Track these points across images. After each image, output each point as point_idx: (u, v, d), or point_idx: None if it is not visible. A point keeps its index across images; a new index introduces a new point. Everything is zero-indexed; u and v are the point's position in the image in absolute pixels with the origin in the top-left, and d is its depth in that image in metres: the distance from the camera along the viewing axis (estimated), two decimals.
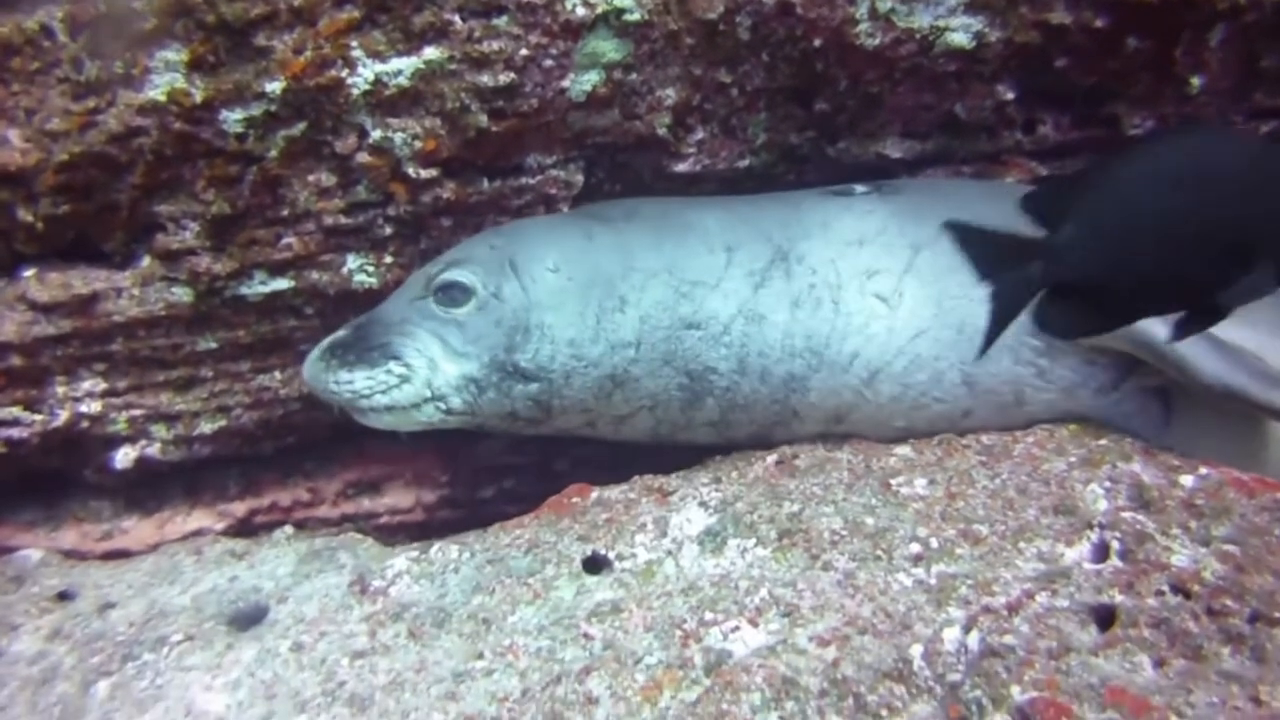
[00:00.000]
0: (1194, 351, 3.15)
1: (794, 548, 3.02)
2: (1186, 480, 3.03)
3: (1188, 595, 2.59)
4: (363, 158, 3.44)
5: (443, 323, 3.38)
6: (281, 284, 3.58)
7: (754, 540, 3.08)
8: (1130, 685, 2.39)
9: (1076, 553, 2.88)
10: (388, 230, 3.59)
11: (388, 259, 3.63)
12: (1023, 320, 3.33)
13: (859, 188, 3.65)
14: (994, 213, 3.57)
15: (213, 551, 3.47)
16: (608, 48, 3.43)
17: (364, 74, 3.31)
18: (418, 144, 3.43)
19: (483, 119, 3.42)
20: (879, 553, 2.96)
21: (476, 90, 3.37)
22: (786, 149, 3.82)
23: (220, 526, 3.76)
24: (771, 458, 3.48)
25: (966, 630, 2.68)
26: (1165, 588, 2.63)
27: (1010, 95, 3.68)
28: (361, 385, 3.33)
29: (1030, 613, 2.67)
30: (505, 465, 4.12)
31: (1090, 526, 2.91)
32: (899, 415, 3.48)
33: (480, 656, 2.78)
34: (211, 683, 2.80)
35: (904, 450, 3.43)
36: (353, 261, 3.61)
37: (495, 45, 3.32)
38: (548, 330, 3.36)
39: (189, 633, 3.00)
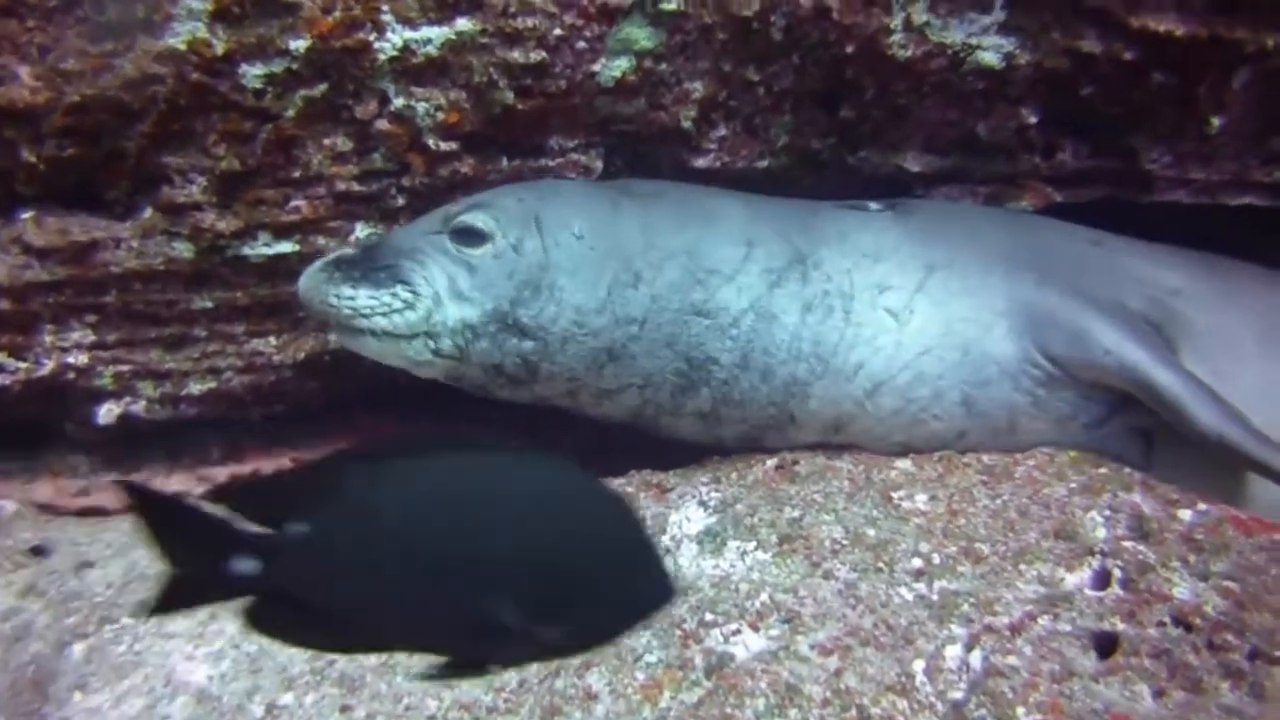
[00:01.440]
0: (1194, 399, 3.20)
1: (794, 554, 3.00)
2: (1185, 514, 3.05)
3: (1189, 628, 2.61)
4: (382, 125, 3.36)
5: (455, 261, 3.27)
6: (286, 247, 3.48)
7: (754, 543, 3.05)
8: (1133, 713, 2.40)
9: (1077, 578, 2.88)
10: (400, 201, 3.51)
11: None
12: (1026, 348, 3.39)
13: (873, 205, 3.65)
14: (1006, 240, 3.61)
15: None
16: (641, 35, 3.38)
17: (392, 39, 3.23)
18: (440, 116, 3.36)
19: (509, 96, 3.35)
20: (880, 565, 2.95)
21: (506, 66, 3.30)
22: (807, 153, 3.80)
23: (199, 491, 3.65)
24: (771, 461, 3.45)
25: (969, 648, 2.68)
26: (1167, 619, 2.65)
27: (1033, 119, 3.68)
28: (363, 303, 3.20)
29: (1033, 635, 2.67)
30: None
31: (1091, 553, 2.92)
32: (897, 430, 3.47)
33: None
34: (193, 652, 2.72)
35: (905, 464, 3.41)
36: (361, 230, 3.53)
37: (529, 22, 3.26)
38: (558, 293, 3.28)
39: None
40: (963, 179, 3.88)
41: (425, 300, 3.22)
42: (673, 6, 3.34)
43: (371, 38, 3.22)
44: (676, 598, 2.41)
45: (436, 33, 3.24)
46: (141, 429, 3.67)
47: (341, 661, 2.66)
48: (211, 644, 2.72)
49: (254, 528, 1.98)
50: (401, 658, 2.67)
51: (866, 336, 3.40)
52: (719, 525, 3.12)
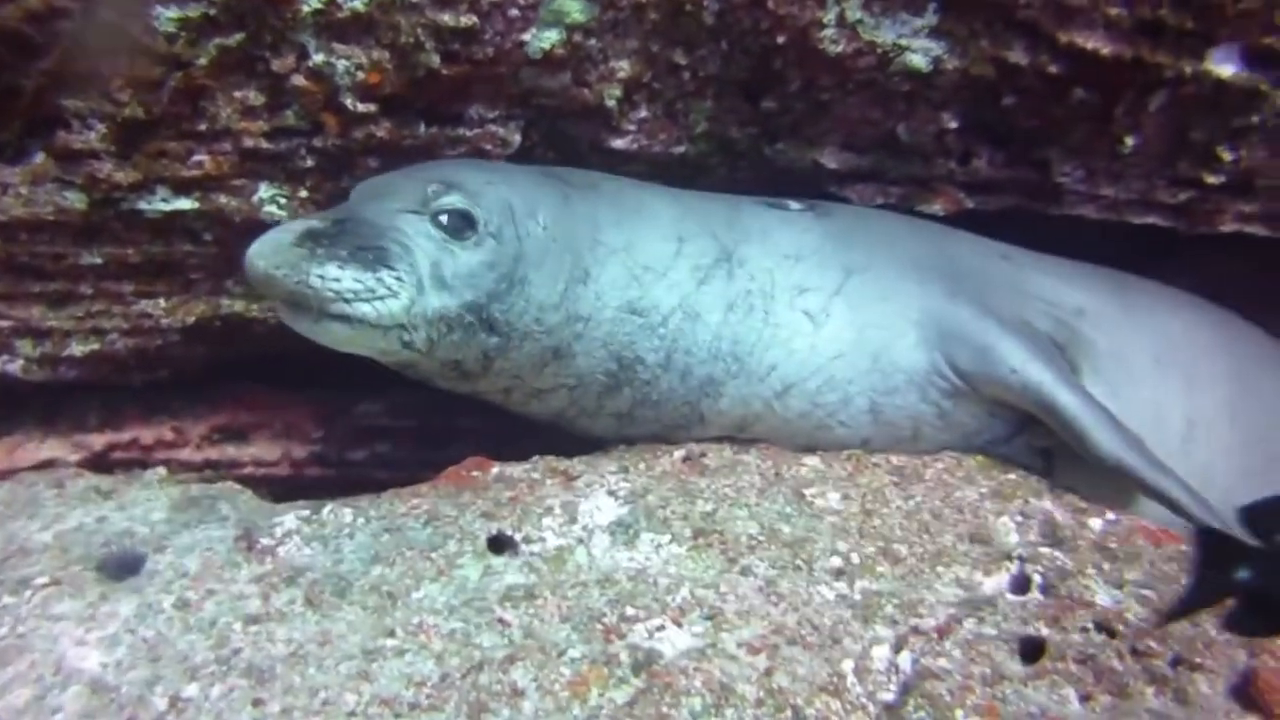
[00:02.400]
0: (1094, 424, 3.26)
1: (709, 548, 2.94)
2: (1095, 523, 3.13)
3: (1112, 634, 2.65)
4: (298, 81, 3.16)
5: (439, 248, 3.04)
6: (184, 204, 3.25)
7: (668, 536, 2.98)
8: (1065, 717, 2.44)
9: (995, 582, 2.91)
10: (309, 162, 3.31)
11: (303, 193, 3.36)
12: (934, 359, 3.42)
13: (794, 204, 3.62)
14: (920, 248, 3.64)
15: (75, 487, 3.10)
16: (574, 8, 3.27)
17: None
18: (360, 75, 3.18)
19: (435, 59, 3.20)
20: (799, 563, 2.91)
21: (435, 28, 3.15)
22: (725, 142, 3.75)
23: (75, 458, 3.39)
24: (679, 453, 3.38)
25: (896, 650, 2.66)
26: (1090, 625, 2.69)
27: (953, 124, 3.70)
28: (348, 286, 2.87)
29: (960, 638, 2.68)
30: (382, 428, 3.89)
31: (1009, 558, 2.95)
32: (801, 434, 3.46)
33: (391, 634, 2.57)
34: (85, 636, 2.47)
35: (813, 461, 3.39)
36: (265, 190, 3.33)
37: None
38: (527, 287, 3.13)
39: (55, 576, 2.65)
40: (877, 179, 3.87)
41: (407, 290, 2.96)
42: None
43: None
44: None
45: None
46: (17, 390, 3.40)
47: (248, 650, 2.48)
48: (104, 627, 2.48)
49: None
50: (313, 648, 2.51)
51: (783, 338, 3.36)
52: (631, 517, 3.03)
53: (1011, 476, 3.36)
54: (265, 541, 2.88)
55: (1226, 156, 3.68)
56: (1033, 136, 3.75)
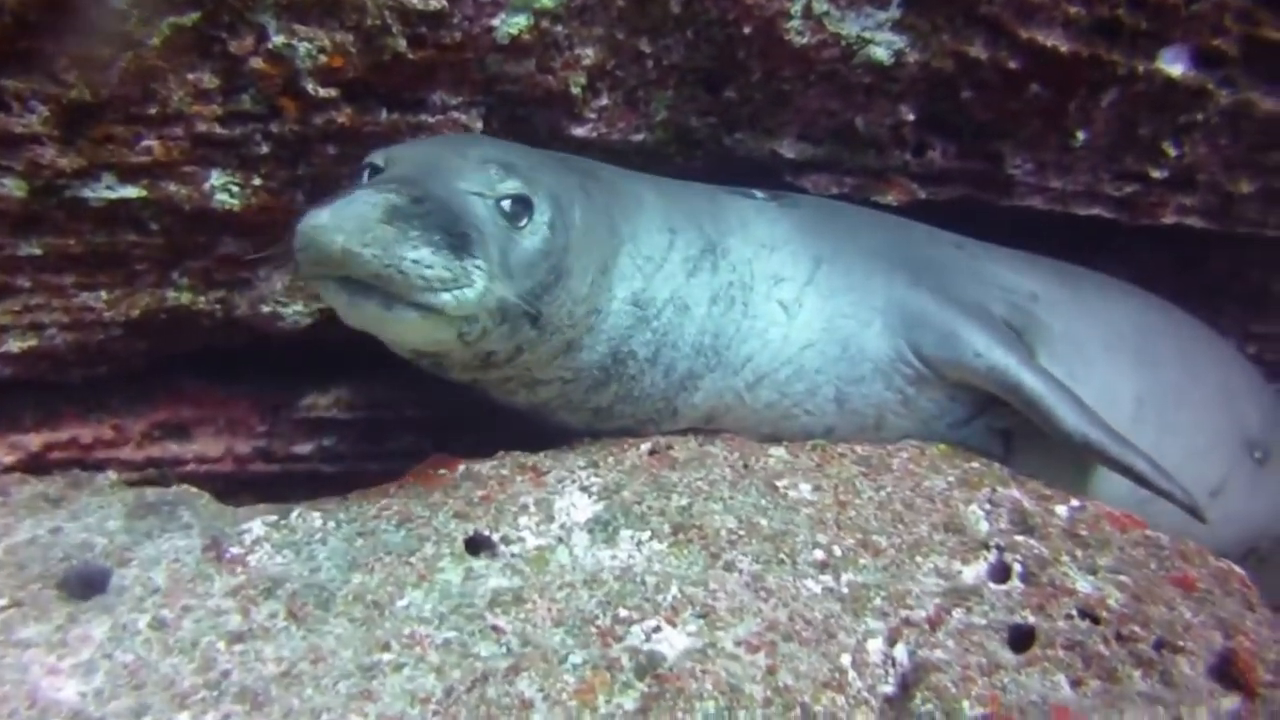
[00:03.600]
0: (1059, 403, 3.33)
1: (690, 544, 2.90)
2: (1061, 509, 3.17)
3: (1096, 620, 2.69)
4: (256, 63, 3.00)
5: (505, 235, 2.84)
6: (131, 191, 3.05)
7: (648, 533, 2.92)
8: (1075, 705, 2.47)
9: (974, 571, 2.93)
10: (264, 149, 3.14)
11: (256, 181, 3.18)
12: (900, 346, 3.44)
13: (759, 194, 3.60)
14: (881, 238, 3.66)
15: (20, 494, 2.90)
16: None
17: None
18: (322, 58, 3.03)
19: (401, 43, 3.07)
20: (782, 556, 2.89)
21: (402, 11, 3.03)
22: (683, 131, 3.71)
23: (10, 460, 3.15)
24: (645, 446, 3.31)
25: (890, 642, 2.67)
26: (1074, 612, 2.73)
27: (910, 116, 3.73)
28: (438, 273, 2.61)
29: (951, 628, 2.69)
30: (328, 420, 3.74)
31: (985, 547, 2.98)
32: (767, 423, 3.45)
33: (386, 648, 2.46)
34: (57, 664, 2.28)
35: (780, 451, 3.36)
36: (217, 178, 3.14)
37: None
38: (569, 278, 2.99)
39: (14, 597, 2.45)
40: (832, 169, 3.89)
41: (484, 277, 2.70)
42: None
43: None
44: None
45: None
46: None
47: (237, 672, 2.34)
48: (77, 653, 2.30)
49: None
50: (305, 665, 2.38)
51: (759, 329, 3.34)
52: (608, 513, 2.97)
53: (975, 465, 3.39)
54: (235, 550, 2.73)
55: (1171, 152, 3.81)
56: (986, 129, 3.81)
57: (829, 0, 3.43)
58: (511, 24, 3.18)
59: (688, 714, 2.37)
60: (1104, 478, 3.51)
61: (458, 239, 2.67)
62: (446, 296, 2.66)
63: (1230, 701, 2.51)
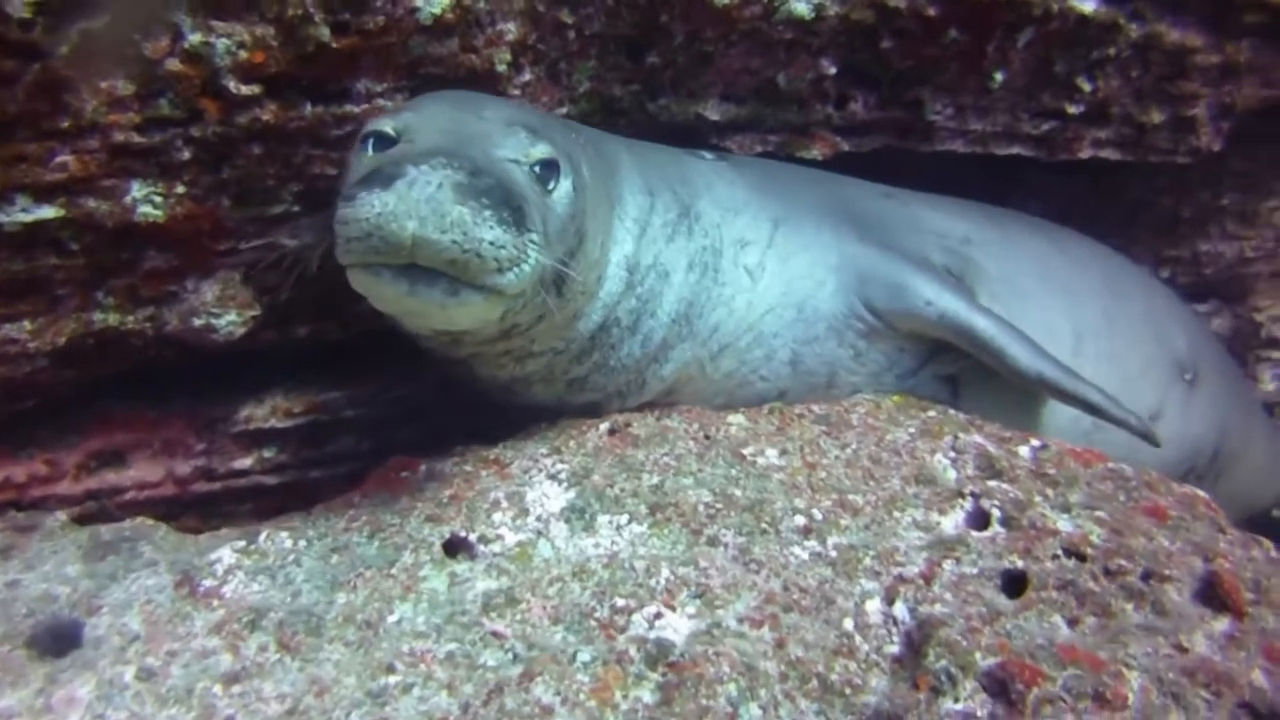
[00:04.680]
0: (1010, 342, 3.39)
1: (670, 522, 2.86)
2: (1023, 450, 3.21)
3: (1082, 558, 2.73)
4: (173, 65, 2.79)
5: (542, 200, 2.68)
6: (47, 212, 2.81)
7: (626, 516, 2.88)
8: (1079, 643, 2.52)
9: (952, 521, 2.95)
10: (186, 154, 2.93)
11: (179, 189, 2.97)
12: (852, 302, 3.45)
13: (706, 154, 3.56)
14: (821, 194, 3.65)
15: None
16: None
17: None
18: (242, 54, 2.84)
19: (325, 32, 2.90)
20: (764, 526, 2.87)
21: None
22: (607, 100, 3.63)
23: None
24: (604, 425, 3.25)
25: (889, 601, 2.68)
26: (1059, 552, 2.76)
27: (832, 70, 3.71)
28: (509, 252, 2.46)
29: (945, 581, 2.70)
30: (266, 431, 3.58)
31: (960, 495, 3.00)
32: (723, 392, 3.42)
33: (389, 670, 2.37)
34: None
35: (738, 419, 3.33)
36: (138, 189, 2.92)
37: None
38: (586, 242, 2.85)
39: None
40: (755, 128, 3.85)
41: (535, 250, 2.55)
42: None
43: None
44: None
45: None
46: None
47: (241, 717, 2.22)
48: (65, 718, 2.16)
49: None
50: (310, 700, 2.27)
51: (726, 296, 3.30)
52: (581, 500, 2.91)
53: (932, 413, 3.42)
54: (208, 583, 2.60)
55: (1086, 87, 3.88)
56: (905, 77, 3.83)
57: None
58: (435, 3, 3.04)
59: (711, 699, 2.34)
60: (1050, 413, 3.59)
61: (516, 212, 2.51)
62: (511, 275, 2.53)
63: (1220, 623, 2.58)
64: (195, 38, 2.79)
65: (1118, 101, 3.95)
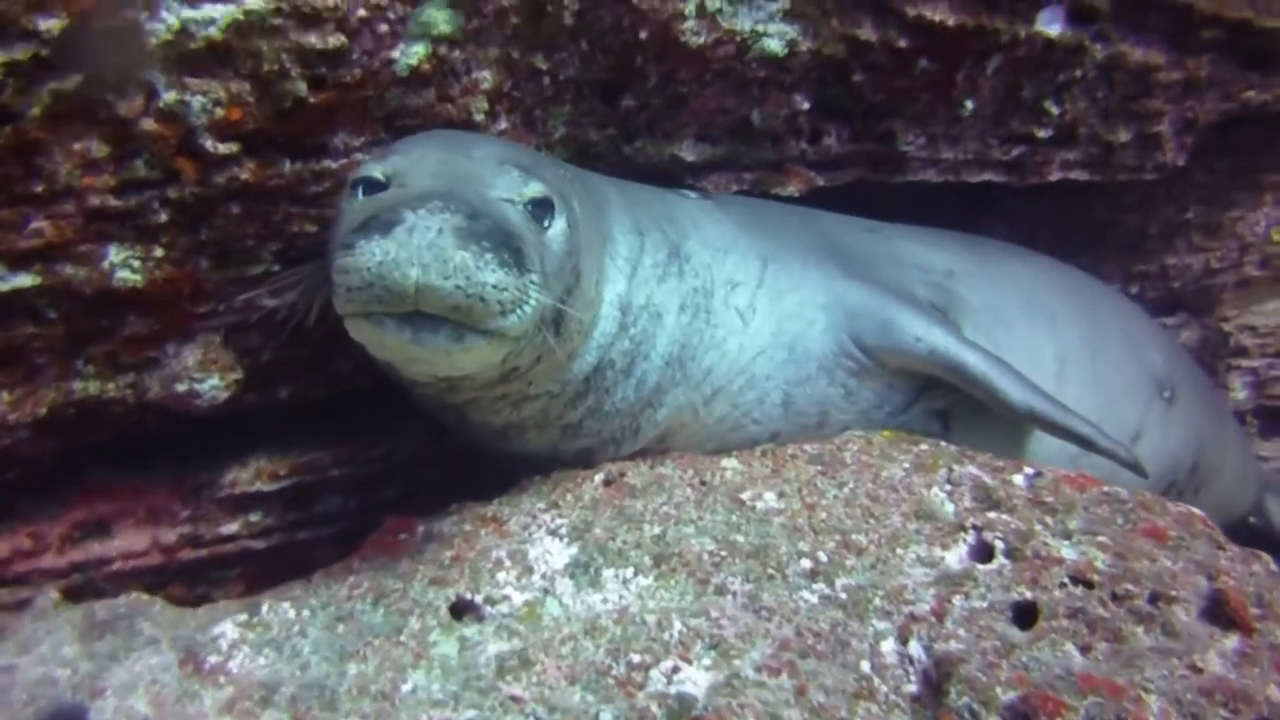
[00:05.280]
0: (1001, 377, 3.39)
1: (675, 573, 2.83)
2: (1018, 479, 3.21)
3: (1089, 585, 2.73)
4: (148, 124, 2.74)
5: (539, 240, 2.63)
6: (23, 280, 2.75)
7: (631, 569, 2.84)
8: (1096, 671, 2.51)
9: (956, 555, 2.94)
10: (163, 216, 2.88)
11: (158, 252, 2.92)
12: (843, 341, 3.43)
13: (690, 193, 3.54)
14: (806, 231, 3.64)
15: None
16: (441, 18, 3.03)
17: (167, 19, 2.65)
18: (219, 111, 2.80)
19: (302, 87, 2.87)
20: (771, 571, 2.84)
21: (300, 52, 2.82)
22: (583, 144, 3.61)
23: None
24: (599, 476, 3.20)
25: (903, 641, 2.65)
26: (1066, 580, 2.75)
27: (805, 105, 3.72)
28: (512, 294, 2.43)
29: (957, 616, 2.69)
30: (252, 495, 3.50)
31: (962, 529, 2.99)
32: (715, 438, 3.39)
33: None
34: None
35: (732, 463, 3.30)
36: (115, 254, 2.86)
37: (330, 1, 2.79)
38: (582, 280, 2.80)
39: None
40: (730, 166, 3.85)
41: (535, 291, 2.51)
42: None
43: (142, 16, 2.61)
44: None
45: (221, 11, 2.70)
46: None
47: None
48: None
49: None
50: None
51: (719, 339, 3.26)
52: (584, 555, 2.86)
53: (924, 447, 3.41)
54: (213, 659, 2.51)
55: (1054, 110, 3.93)
56: (877, 109, 3.84)
57: None
58: (411, 54, 3.01)
59: None
60: (1039, 441, 3.60)
61: (515, 254, 2.48)
62: (514, 318, 2.49)
63: (1230, 640, 2.59)
64: (170, 96, 2.74)
65: (1085, 122, 4.00)
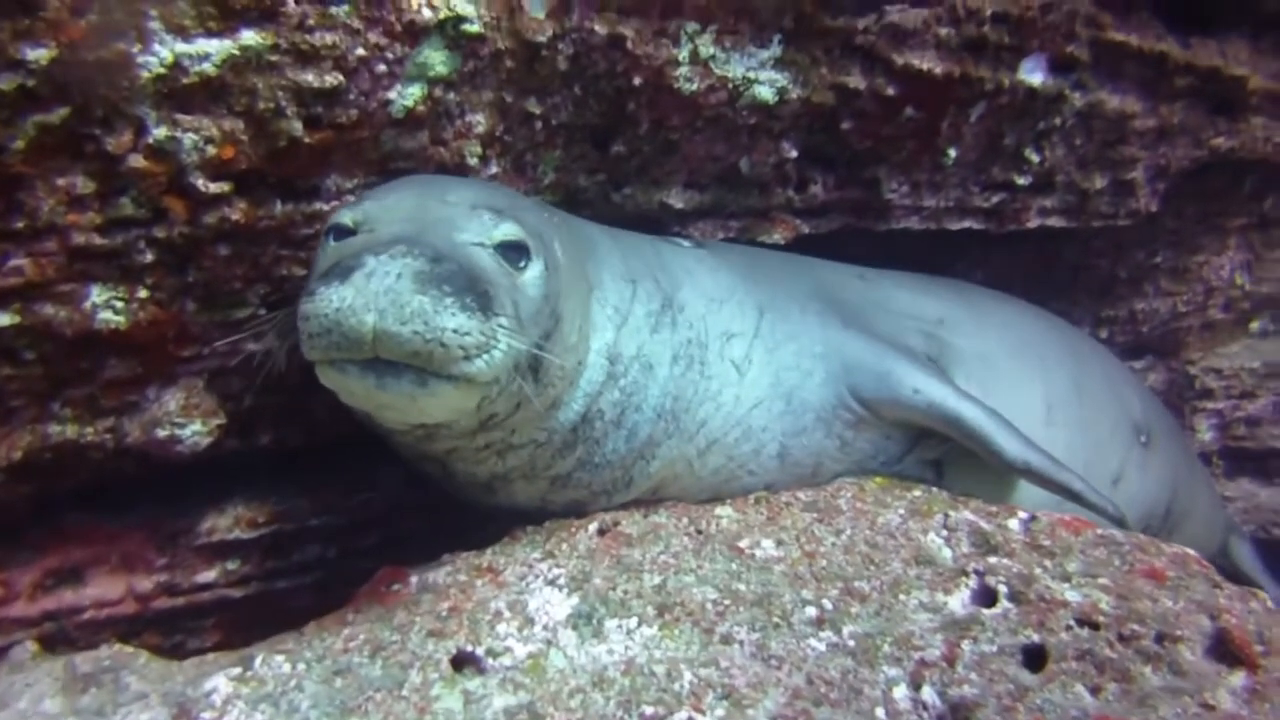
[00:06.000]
0: (997, 431, 3.39)
1: (679, 623, 2.78)
2: (1013, 524, 3.21)
3: (1095, 627, 2.73)
4: (136, 161, 2.65)
5: (511, 283, 2.58)
6: (2, 320, 2.64)
7: (635, 619, 2.78)
8: (1110, 711, 2.49)
9: (959, 600, 2.92)
10: (149, 256, 2.78)
11: (141, 293, 2.82)
12: (840, 392, 3.41)
13: (684, 242, 3.51)
14: (800, 280, 3.62)
15: None
16: (438, 59, 2.96)
17: (160, 53, 2.57)
18: (211, 150, 2.71)
19: (297, 126, 2.79)
20: (776, 620, 2.81)
21: (296, 91, 2.75)
22: (573, 191, 3.56)
23: None
24: (593, 526, 3.15)
25: (915, 687, 2.63)
26: (1072, 622, 2.75)
27: (793, 153, 3.72)
28: (475, 339, 2.38)
29: (968, 661, 2.67)
30: (230, 543, 3.37)
31: (964, 574, 2.98)
32: (709, 489, 3.33)
33: None
34: None
35: (726, 510, 3.26)
36: (98, 294, 2.76)
37: (328, 39, 2.74)
38: (562, 324, 2.74)
39: None
40: (717, 214, 3.82)
41: (506, 335, 2.46)
42: (475, 29, 2.95)
43: (134, 49, 2.53)
44: None
45: (216, 46, 2.63)
46: None
47: None
48: None
49: None
50: None
51: (713, 391, 3.21)
52: (585, 605, 2.80)
53: (918, 493, 3.41)
54: (207, 715, 2.41)
55: (1034, 158, 3.98)
56: (862, 157, 3.85)
57: (714, 44, 3.36)
58: (408, 95, 2.95)
59: None
60: (1026, 490, 3.59)
61: (481, 297, 2.44)
62: (480, 363, 2.44)
63: (1237, 678, 2.59)
64: (160, 132, 2.66)
65: (1062, 170, 4.06)
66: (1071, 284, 4.87)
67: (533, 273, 2.67)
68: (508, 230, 2.65)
